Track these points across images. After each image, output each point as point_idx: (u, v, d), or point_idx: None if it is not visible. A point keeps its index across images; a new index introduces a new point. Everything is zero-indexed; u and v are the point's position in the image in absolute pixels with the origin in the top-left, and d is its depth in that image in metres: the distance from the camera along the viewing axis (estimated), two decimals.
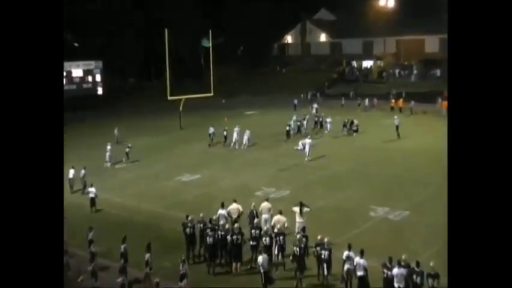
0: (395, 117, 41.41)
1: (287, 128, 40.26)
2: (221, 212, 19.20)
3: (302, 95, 69.48)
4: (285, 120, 44.97)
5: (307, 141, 33.04)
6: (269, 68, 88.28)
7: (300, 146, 35.17)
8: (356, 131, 41.84)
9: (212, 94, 47.82)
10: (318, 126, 43.23)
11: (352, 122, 42.33)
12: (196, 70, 70.21)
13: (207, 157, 34.93)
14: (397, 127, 39.73)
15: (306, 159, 32.31)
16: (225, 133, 38.49)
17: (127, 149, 33.84)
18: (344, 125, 42.23)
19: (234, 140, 37.38)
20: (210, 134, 38.47)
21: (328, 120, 42.69)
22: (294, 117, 43.25)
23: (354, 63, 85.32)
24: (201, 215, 18.39)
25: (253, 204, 19.62)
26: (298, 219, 18.65)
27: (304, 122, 42.62)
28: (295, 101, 59.48)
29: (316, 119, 44.70)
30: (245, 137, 37.38)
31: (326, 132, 42.08)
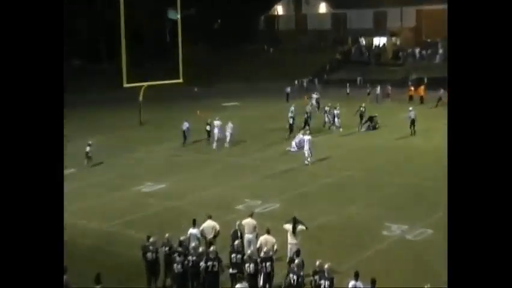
0: (410, 108, 41.76)
1: (290, 120, 40.43)
2: (192, 231, 19.11)
3: (296, 82, 69.66)
4: (274, 113, 45.04)
5: (307, 138, 33.04)
6: (254, 48, 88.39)
7: (293, 147, 35.26)
8: (374, 128, 42.29)
9: (181, 81, 47.69)
10: (330, 120, 43.59)
11: (372, 118, 42.74)
12: (160, 50, 70.02)
13: (175, 161, 34.84)
14: (413, 121, 40.08)
15: (308, 161, 32.46)
16: (208, 128, 38.71)
17: (88, 148, 33.43)
18: (360, 115, 42.65)
19: (216, 138, 37.48)
20: (183, 131, 38.47)
21: (336, 112, 43.05)
22: (293, 108, 43.45)
23: (363, 41, 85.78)
24: (167, 235, 18.28)
25: (238, 222, 19.58)
26: (290, 239, 18.62)
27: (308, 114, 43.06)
28: (288, 89, 59.71)
29: (323, 111, 44.90)
30: (227, 133, 37.48)
31: (337, 127, 42.53)
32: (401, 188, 28.17)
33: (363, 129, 42.42)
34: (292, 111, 42.43)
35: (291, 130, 39.96)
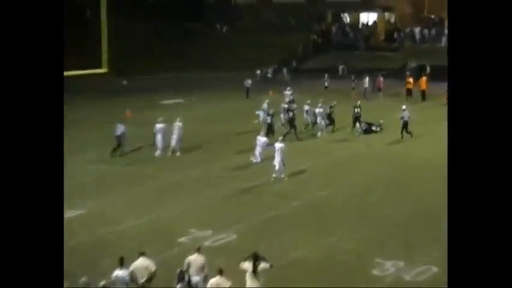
0: (403, 107, 42.26)
1: (267, 120, 40.96)
2: (119, 273, 18.92)
3: (259, 72, 69.71)
4: (232, 113, 44.96)
5: (278, 146, 32.94)
6: (202, 27, 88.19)
7: (256, 157, 35.21)
8: (371, 131, 43.24)
9: (105, 70, 47.38)
10: (312, 121, 44.15)
11: (371, 125, 43.61)
12: (77, 30, 69.45)
13: (99, 177, 34.49)
14: (405, 124, 40.86)
15: (278, 175, 32.56)
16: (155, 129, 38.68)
17: None
18: (356, 118, 43.08)
19: (159, 145, 37.70)
20: (117, 137, 38.17)
21: (317, 111, 43.49)
22: (266, 105, 43.66)
23: (347, 18, 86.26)
24: (83, 279, 18.08)
25: (187, 260, 19.46)
26: (250, 282, 18.57)
27: (281, 114, 43.67)
28: (248, 82, 59.63)
29: (303, 110, 45.29)
30: (174, 136, 37.74)
31: (320, 130, 43.21)
32: (396, 210, 28.29)
33: (360, 130, 42.90)
34: (265, 109, 42.70)
35: (271, 132, 40.03)
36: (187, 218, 27.78)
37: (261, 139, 35.31)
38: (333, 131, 43.73)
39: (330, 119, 43.93)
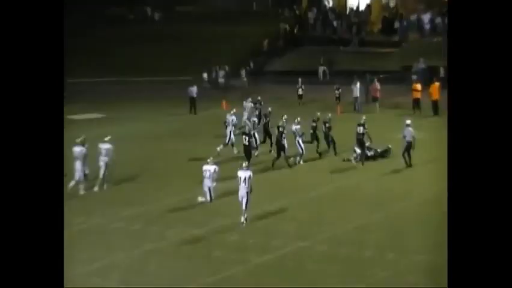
0: (407, 122, 42.39)
1: (244, 139, 41.75)
2: None
3: (206, 76, 69.69)
4: (175, 131, 44.99)
5: (244, 174, 32.63)
6: (127, 14, 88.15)
7: (205, 195, 35.04)
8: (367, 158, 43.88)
9: None
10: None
11: (370, 148, 44.37)
12: None
13: None
14: (409, 146, 41.06)
15: (242, 218, 32.51)
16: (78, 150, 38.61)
17: None
18: (360, 142, 43.62)
19: (77, 177, 37.70)
20: None
21: (295, 128, 43.87)
22: (233, 117, 44.16)
23: (329, 1, 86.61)
24: None
25: None
26: None
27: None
28: (194, 91, 59.30)
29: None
30: (102, 162, 38.24)
31: (299, 155, 43.87)
32: (395, 270, 28.10)
33: (354, 157, 43.48)
34: (233, 121, 42.99)
35: (249, 155, 40.70)
36: (107, 279, 27.74)
37: (209, 168, 35.00)
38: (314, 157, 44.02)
39: (327, 138, 44.76)
